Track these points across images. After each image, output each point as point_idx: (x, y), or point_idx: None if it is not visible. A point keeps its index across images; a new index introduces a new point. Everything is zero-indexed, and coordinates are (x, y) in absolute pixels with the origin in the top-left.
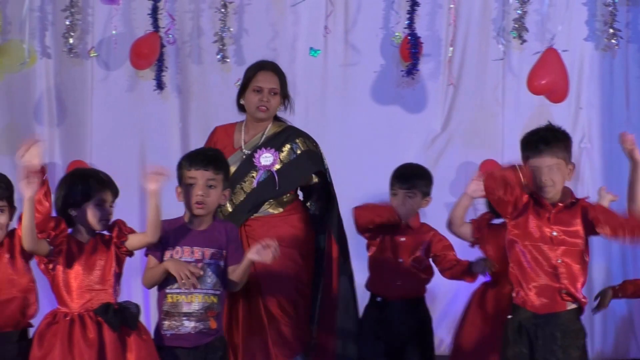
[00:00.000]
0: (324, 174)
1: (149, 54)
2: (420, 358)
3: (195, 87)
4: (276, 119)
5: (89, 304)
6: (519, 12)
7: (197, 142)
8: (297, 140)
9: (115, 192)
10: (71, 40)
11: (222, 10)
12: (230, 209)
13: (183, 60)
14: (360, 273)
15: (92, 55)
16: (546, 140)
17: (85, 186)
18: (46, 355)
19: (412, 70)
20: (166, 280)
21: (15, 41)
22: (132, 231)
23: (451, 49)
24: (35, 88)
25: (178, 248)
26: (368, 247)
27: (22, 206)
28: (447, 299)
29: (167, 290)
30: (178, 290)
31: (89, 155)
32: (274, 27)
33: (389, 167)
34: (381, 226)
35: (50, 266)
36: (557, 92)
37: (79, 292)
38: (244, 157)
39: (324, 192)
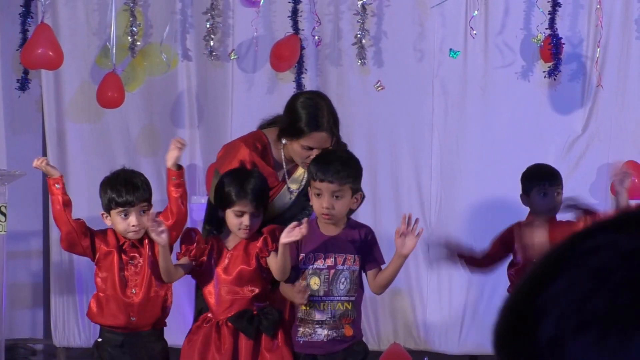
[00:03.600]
0: None
1: (290, 56)
2: None
3: (334, 89)
4: None
5: (229, 309)
6: None
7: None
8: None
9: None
10: (212, 43)
11: (361, 12)
12: None
13: (322, 62)
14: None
15: (232, 57)
16: None
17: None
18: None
19: (553, 71)
20: None
21: (156, 44)
22: (275, 249)
23: (599, 49)
24: (176, 90)
25: (310, 255)
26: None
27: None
28: None
29: None
30: (310, 298)
31: None
32: (414, 29)
33: None
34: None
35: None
36: None
37: (219, 298)
38: (292, 196)
39: None
